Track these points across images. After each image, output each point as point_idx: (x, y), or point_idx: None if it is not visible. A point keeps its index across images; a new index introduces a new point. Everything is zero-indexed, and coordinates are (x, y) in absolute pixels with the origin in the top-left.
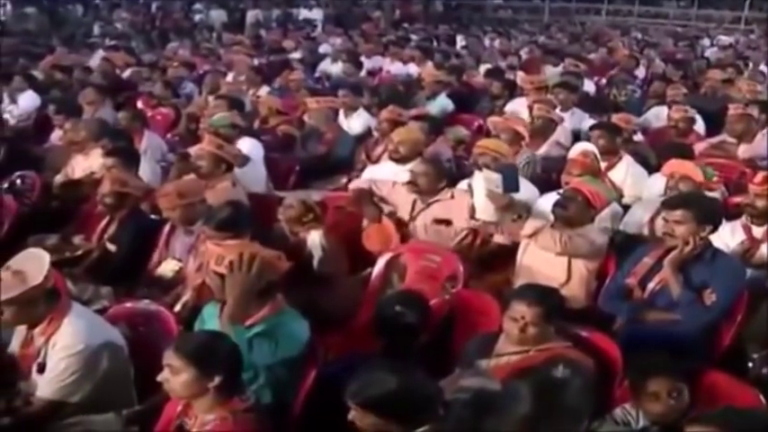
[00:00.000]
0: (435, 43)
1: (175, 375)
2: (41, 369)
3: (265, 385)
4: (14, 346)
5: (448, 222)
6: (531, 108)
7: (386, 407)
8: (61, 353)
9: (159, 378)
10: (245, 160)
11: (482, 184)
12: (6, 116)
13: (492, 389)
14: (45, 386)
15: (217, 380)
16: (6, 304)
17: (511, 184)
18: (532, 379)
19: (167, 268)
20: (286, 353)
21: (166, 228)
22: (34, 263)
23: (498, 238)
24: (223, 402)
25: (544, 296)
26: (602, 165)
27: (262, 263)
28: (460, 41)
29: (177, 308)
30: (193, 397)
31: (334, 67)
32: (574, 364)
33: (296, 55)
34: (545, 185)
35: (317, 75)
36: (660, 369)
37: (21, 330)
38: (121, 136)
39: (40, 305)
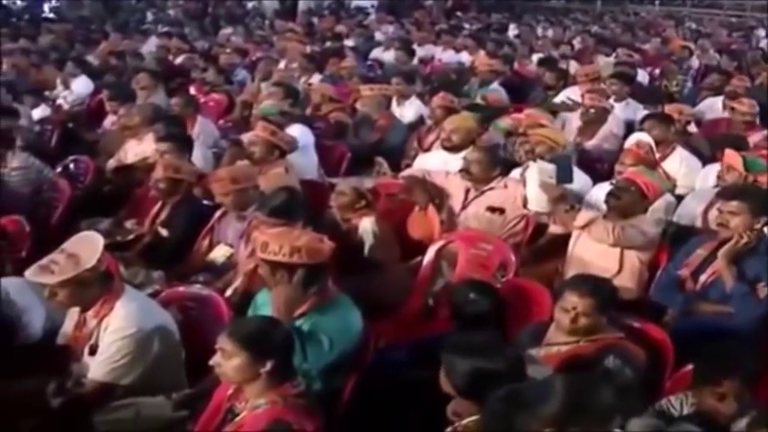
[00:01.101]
0: (488, 32)
1: (228, 359)
2: (93, 351)
3: (317, 373)
4: (67, 328)
5: (501, 211)
6: (583, 97)
7: (476, 382)
8: (113, 335)
9: (211, 362)
10: (294, 146)
11: (535, 174)
12: (60, 101)
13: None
14: (96, 368)
15: (269, 365)
16: (60, 286)
17: (564, 175)
18: (582, 369)
19: (219, 254)
20: (340, 345)
21: (218, 213)
22: (88, 246)
23: (551, 229)
24: (274, 387)
25: (597, 287)
26: (656, 155)
27: (308, 248)
28: (513, 30)
29: (228, 293)
30: (245, 381)
31: (386, 55)
32: (625, 355)
33: (348, 42)
34: (598, 175)
35: (369, 62)
36: (737, 371)
37: (74, 313)
38: (175, 122)
39: (93, 288)
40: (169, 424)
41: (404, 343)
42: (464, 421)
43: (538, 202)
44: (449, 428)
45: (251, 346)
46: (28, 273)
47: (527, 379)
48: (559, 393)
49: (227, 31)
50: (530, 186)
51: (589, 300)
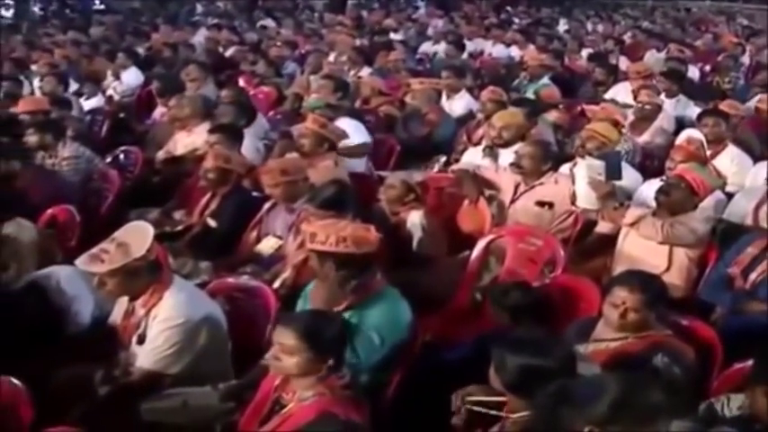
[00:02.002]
0: (537, 27)
1: (290, 356)
2: (141, 340)
3: (366, 367)
4: (116, 317)
5: (550, 206)
6: (635, 94)
7: (526, 379)
8: (161, 325)
9: (268, 356)
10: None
11: (584, 171)
12: (111, 92)
13: (591, 373)
14: (144, 357)
15: (330, 362)
16: (109, 275)
17: (614, 172)
18: (630, 366)
19: (267, 245)
20: (390, 339)
21: (267, 205)
22: (138, 235)
23: (600, 225)
24: (323, 380)
25: (647, 283)
26: (707, 152)
27: (354, 237)
28: (563, 25)
29: (276, 285)
30: (302, 376)
31: (435, 49)
32: (674, 353)
33: (397, 36)
34: (648, 172)
35: (418, 56)
36: None
37: (122, 302)
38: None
39: (143, 277)
40: (216, 414)
41: (451, 339)
42: (513, 416)
43: (587, 198)
44: (497, 425)
45: (315, 344)
46: (78, 261)
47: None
48: (609, 393)
49: (268, 22)
50: (579, 183)
51: (639, 295)
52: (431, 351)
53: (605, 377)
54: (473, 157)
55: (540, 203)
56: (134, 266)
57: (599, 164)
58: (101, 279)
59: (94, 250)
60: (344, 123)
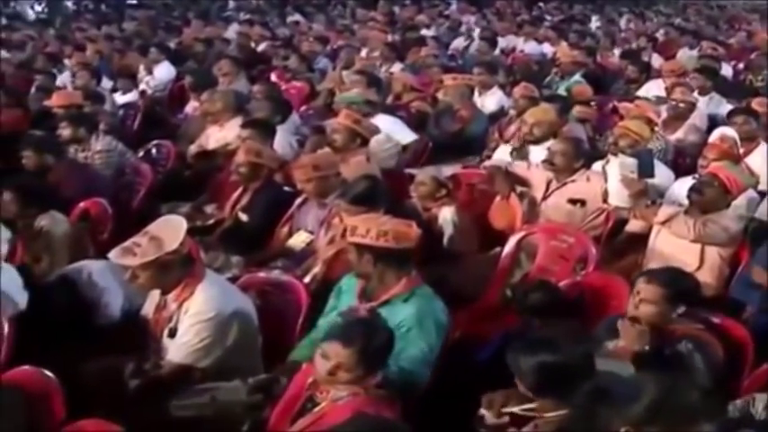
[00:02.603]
0: (570, 23)
1: (343, 372)
2: (172, 334)
3: (400, 365)
4: (147, 310)
5: (582, 203)
6: (668, 91)
7: (547, 377)
8: (193, 318)
9: (320, 369)
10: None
11: (617, 168)
12: (143, 87)
13: (624, 374)
14: (175, 351)
15: (379, 375)
16: (142, 269)
17: (646, 170)
18: (654, 356)
19: (298, 240)
20: (425, 337)
21: (299, 200)
22: (171, 229)
23: (631, 223)
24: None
25: (671, 278)
26: (740, 150)
27: (395, 232)
28: (595, 22)
29: (307, 280)
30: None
31: (467, 45)
32: (699, 343)
33: (429, 32)
34: (681, 170)
35: (450, 52)
36: None
37: (154, 295)
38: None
39: (174, 271)
40: (245, 409)
41: (480, 336)
42: (546, 416)
43: (619, 196)
44: (529, 424)
45: (369, 360)
46: (111, 254)
47: (596, 372)
48: (647, 394)
49: (296, 18)
50: (611, 180)
51: (656, 288)
52: (459, 348)
53: (643, 377)
54: (505, 154)
55: (572, 201)
56: (166, 260)
57: (631, 161)
58: (133, 272)
59: (127, 243)
60: (384, 120)
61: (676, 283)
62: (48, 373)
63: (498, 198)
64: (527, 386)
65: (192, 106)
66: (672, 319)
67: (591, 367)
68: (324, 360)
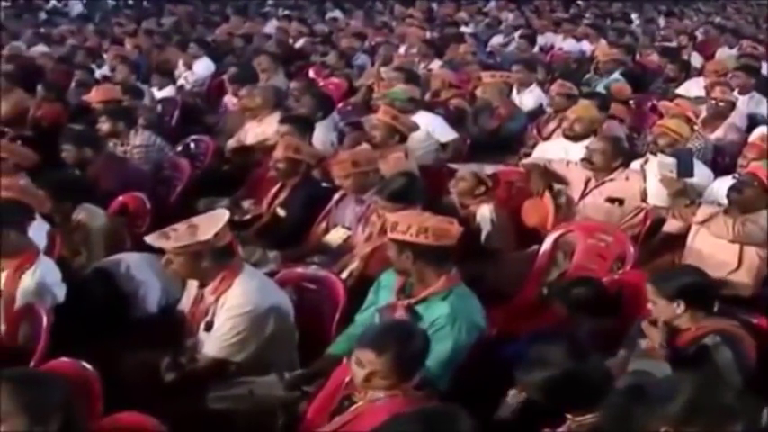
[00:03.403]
0: (609, 21)
1: (378, 378)
2: (209, 327)
3: (437, 364)
4: (185, 303)
5: (620, 202)
6: (708, 90)
7: (555, 391)
8: (229, 312)
9: (353, 371)
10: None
11: (656, 168)
12: (182, 82)
13: (659, 373)
14: (211, 344)
15: (417, 378)
16: (175, 254)
17: (685, 169)
18: (685, 349)
19: (336, 236)
20: (466, 340)
21: (336, 196)
22: (210, 220)
23: (670, 222)
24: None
25: (662, 277)
26: None
27: (436, 229)
28: (635, 20)
29: (344, 276)
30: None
31: (506, 42)
32: (728, 337)
33: (468, 29)
34: (720, 169)
35: (488, 50)
36: None
37: (192, 288)
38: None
39: (206, 261)
40: (282, 404)
41: (516, 334)
42: (578, 419)
43: (657, 195)
44: (563, 426)
45: (404, 367)
46: (148, 237)
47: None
48: (684, 393)
49: (336, 14)
50: (650, 180)
51: (649, 286)
52: (493, 346)
53: (680, 377)
54: (543, 152)
55: (611, 200)
56: (196, 249)
57: (671, 161)
58: (168, 258)
59: (167, 229)
60: (425, 118)
61: (671, 281)
62: (86, 365)
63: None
64: (544, 402)
65: (230, 101)
66: (683, 315)
67: (598, 374)
68: (359, 367)
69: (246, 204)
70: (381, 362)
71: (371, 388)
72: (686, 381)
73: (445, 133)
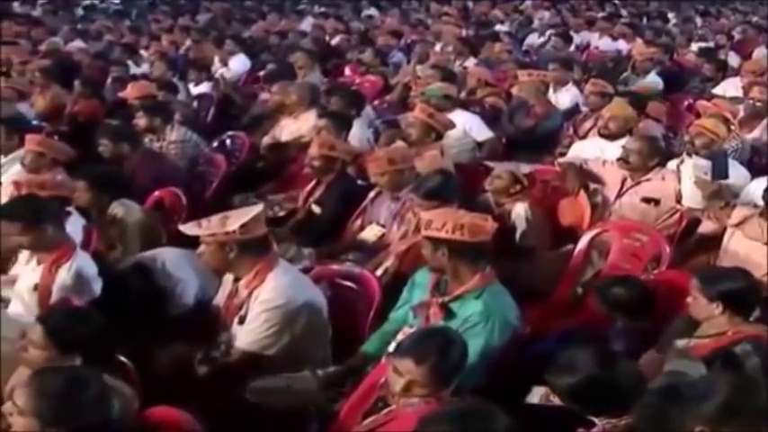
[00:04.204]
0: (646, 20)
1: (417, 388)
2: (242, 320)
3: (471, 364)
4: (219, 298)
5: (656, 202)
6: (745, 90)
7: (584, 397)
8: (262, 306)
9: (390, 380)
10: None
11: (691, 170)
12: (218, 78)
13: (695, 373)
14: (243, 337)
15: (452, 387)
16: (205, 243)
17: (720, 172)
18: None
19: (371, 233)
20: (498, 338)
21: (372, 193)
22: (241, 213)
23: (705, 224)
24: None
25: (707, 277)
26: None
27: (471, 226)
28: (672, 19)
29: (378, 273)
30: None
31: (541, 41)
32: (758, 344)
33: (503, 27)
34: (757, 169)
35: (524, 48)
36: None
37: (227, 283)
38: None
39: (233, 252)
40: (317, 401)
41: (549, 332)
42: (613, 420)
43: (692, 197)
44: (597, 426)
45: (442, 376)
46: (183, 226)
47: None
48: (720, 393)
49: (373, 12)
50: (684, 182)
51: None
52: (524, 344)
53: (715, 377)
54: (579, 151)
55: (647, 200)
56: (222, 239)
57: (705, 163)
58: (201, 247)
59: (203, 219)
60: (461, 116)
61: (717, 282)
62: (124, 359)
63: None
64: (575, 408)
65: (266, 98)
66: (719, 317)
67: (628, 379)
68: (397, 377)
69: (277, 200)
70: (420, 372)
71: (410, 397)
72: (722, 381)
73: (482, 132)
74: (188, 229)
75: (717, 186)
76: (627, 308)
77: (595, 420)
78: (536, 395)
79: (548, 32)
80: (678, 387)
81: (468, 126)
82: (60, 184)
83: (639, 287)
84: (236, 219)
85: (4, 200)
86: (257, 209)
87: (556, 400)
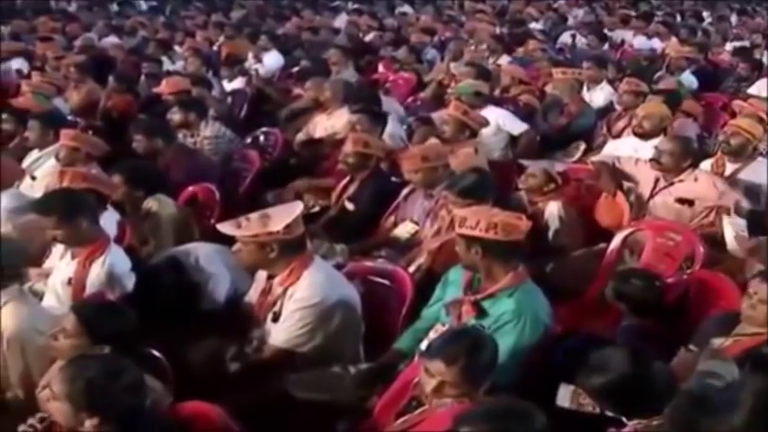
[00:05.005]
0: (680, 18)
1: (448, 388)
2: (276, 318)
3: (503, 364)
4: (253, 294)
5: (690, 203)
6: None
7: (616, 397)
8: (297, 304)
9: (422, 381)
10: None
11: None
12: (252, 74)
13: (727, 374)
14: (277, 334)
15: (484, 387)
16: (244, 243)
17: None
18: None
19: (404, 230)
20: (530, 337)
21: (405, 190)
22: (283, 212)
23: None
24: None
25: None
26: None
27: (505, 224)
28: (707, 17)
29: (411, 270)
30: None
31: (575, 39)
32: None
33: (537, 25)
34: None
35: (558, 46)
36: None
37: (261, 280)
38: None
39: (274, 252)
40: (349, 398)
41: (581, 331)
42: (644, 422)
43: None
44: (627, 427)
45: (474, 377)
46: (220, 225)
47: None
48: (748, 399)
49: (407, 9)
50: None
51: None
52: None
53: (743, 382)
54: (613, 150)
55: (681, 200)
56: (264, 240)
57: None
58: (238, 246)
59: (241, 218)
60: (494, 112)
61: None
62: (158, 354)
63: (604, 195)
64: (605, 408)
65: (297, 94)
66: None
67: (661, 380)
68: (428, 378)
69: (307, 198)
70: (451, 373)
71: (441, 398)
72: (749, 387)
73: (516, 126)
74: (227, 229)
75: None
76: (635, 304)
77: (625, 421)
78: (564, 393)
79: (581, 30)
80: (708, 394)
81: (501, 122)
82: (95, 178)
83: (652, 286)
84: (279, 219)
85: (41, 193)
86: (298, 208)
87: (585, 401)
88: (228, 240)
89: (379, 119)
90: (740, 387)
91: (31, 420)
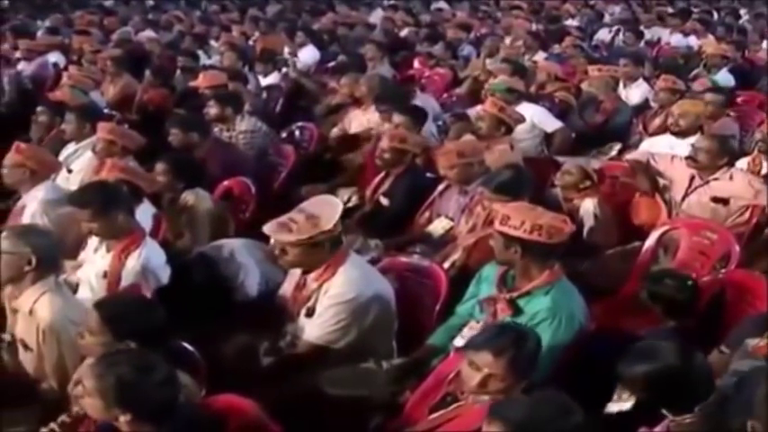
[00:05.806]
0: (717, 16)
1: (495, 381)
2: (310, 313)
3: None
4: (286, 289)
5: (725, 202)
6: None
7: (657, 387)
8: (332, 299)
9: (466, 376)
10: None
11: None
12: (287, 69)
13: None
14: (312, 330)
15: (526, 381)
16: (293, 245)
17: None
18: None
19: (439, 226)
20: (565, 335)
21: (441, 186)
22: (328, 208)
23: None
24: None
25: None
26: None
27: (549, 227)
28: (744, 15)
29: (445, 266)
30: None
31: (612, 36)
32: None
33: (574, 22)
34: None
35: (594, 43)
36: None
37: (294, 274)
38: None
39: (324, 251)
40: (382, 393)
41: (616, 330)
42: (677, 419)
43: None
44: (661, 424)
45: (520, 369)
46: (266, 228)
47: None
48: (762, 385)
49: (442, 5)
50: None
51: None
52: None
53: (760, 370)
54: (649, 147)
55: (716, 199)
56: (319, 239)
57: None
58: (283, 248)
59: (283, 219)
60: (530, 108)
61: None
62: (190, 347)
63: (639, 194)
64: (642, 399)
65: (332, 89)
66: None
67: (702, 374)
68: (473, 371)
69: (344, 193)
70: (499, 364)
71: (485, 393)
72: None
73: (549, 122)
74: (276, 234)
75: None
76: (670, 306)
77: (664, 413)
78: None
79: (618, 27)
80: (733, 385)
81: (536, 119)
82: (132, 171)
83: (686, 287)
84: (329, 217)
85: (77, 185)
86: (337, 202)
87: (623, 402)
88: (261, 235)
89: (421, 116)
90: (755, 374)
91: (61, 418)
